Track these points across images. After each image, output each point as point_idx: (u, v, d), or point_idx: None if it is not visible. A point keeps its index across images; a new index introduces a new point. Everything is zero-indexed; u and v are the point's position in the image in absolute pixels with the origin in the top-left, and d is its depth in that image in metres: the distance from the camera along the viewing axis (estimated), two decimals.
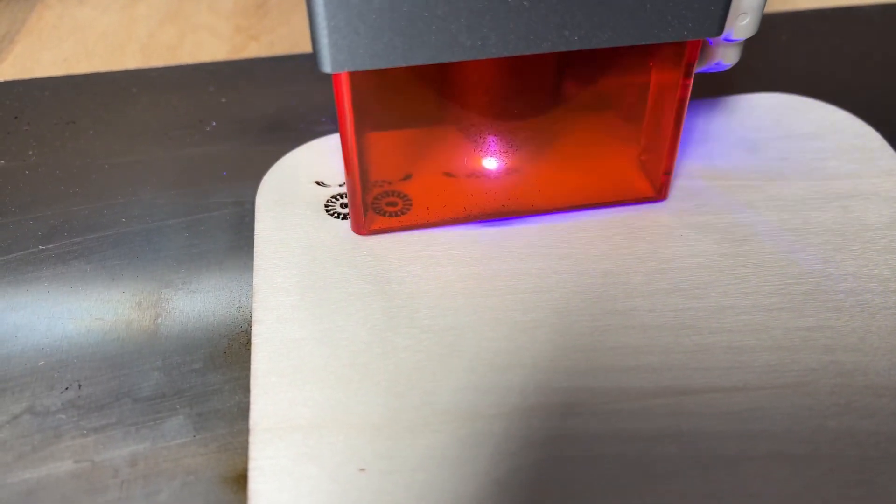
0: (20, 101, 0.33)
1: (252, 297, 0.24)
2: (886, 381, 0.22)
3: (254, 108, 0.33)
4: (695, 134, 0.30)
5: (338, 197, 0.27)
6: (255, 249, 0.25)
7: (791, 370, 0.22)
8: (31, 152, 0.31)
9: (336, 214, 0.27)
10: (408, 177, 0.27)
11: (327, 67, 0.21)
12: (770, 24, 0.37)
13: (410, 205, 0.26)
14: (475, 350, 0.22)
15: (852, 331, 0.23)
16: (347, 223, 0.26)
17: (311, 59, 0.35)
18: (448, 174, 0.27)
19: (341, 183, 0.28)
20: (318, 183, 0.28)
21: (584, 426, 0.21)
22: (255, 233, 0.26)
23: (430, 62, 0.21)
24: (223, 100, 0.33)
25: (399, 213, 0.26)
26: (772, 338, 0.23)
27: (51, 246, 0.27)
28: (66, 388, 0.22)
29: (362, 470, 0.20)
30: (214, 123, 0.32)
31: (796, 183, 0.28)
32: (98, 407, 0.22)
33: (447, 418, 0.21)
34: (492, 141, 0.27)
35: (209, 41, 0.37)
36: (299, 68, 0.35)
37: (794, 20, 0.37)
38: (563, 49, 0.21)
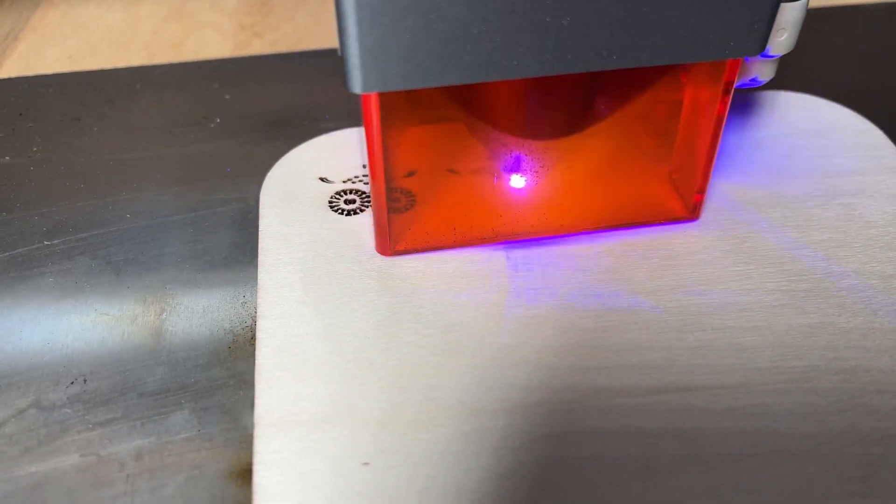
0: (25, 98, 0.33)
1: (256, 292, 0.24)
2: (889, 378, 0.22)
3: (257, 105, 0.33)
4: None
5: (342, 193, 0.27)
6: (260, 245, 0.25)
7: (793, 367, 0.22)
8: (35, 149, 0.31)
9: (340, 210, 0.27)
10: (412, 173, 0.27)
11: (357, 88, 0.20)
12: None
13: (415, 201, 0.26)
14: (478, 346, 0.22)
15: (854, 328, 0.23)
16: (351, 219, 0.26)
17: (315, 56, 0.35)
18: (475, 191, 0.27)
19: (345, 179, 0.28)
20: (321, 179, 0.28)
21: (587, 422, 0.21)
22: (260, 229, 0.26)
23: (464, 83, 0.20)
24: (227, 97, 0.33)
25: (403, 209, 0.26)
26: (774, 334, 0.23)
27: (56, 241, 0.27)
28: (72, 383, 0.22)
29: (366, 464, 0.20)
30: (218, 120, 0.32)
31: (799, 180, 0.28)
32: (103, 401, 0.22)
33: (450, 413, 0.21)
34: (522, 160, 0.27)
35: (213, 38, 0.37)
36: (303, 65, 0.35)
37: None
38: (600, 69, 0.21)
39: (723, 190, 0.27)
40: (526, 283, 0.24)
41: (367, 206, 0.27)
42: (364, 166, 0.28)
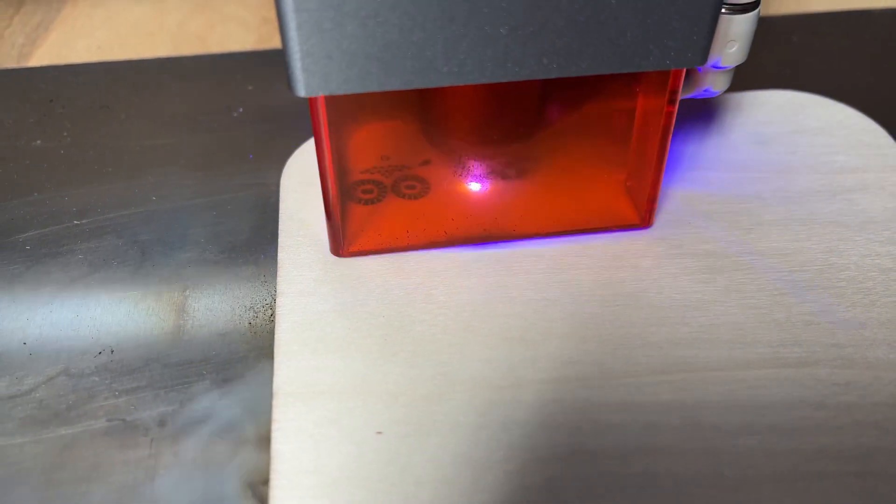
0: (55, 86, 0.35)
1: (276, 272, 0.25)
2: (885, 364, 0.22)
3: (279, 96, 0.34)
4: (710, 126, 0.31)
5: (358, 182, 0.28)
6: (280, 227, 0.27)
7: (793, 351, 0.23)
8: (65, 133, 0.32)
9: (358, 199, 0.28)
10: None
11: (301, 91, 0.20)
12: (782, 24, 0.38)
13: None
14: (489, 326, 0.23)
15: (853, 317, 0.24)
16: (368, 207, 0.27)
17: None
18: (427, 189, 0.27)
19: (363, 169, 0.29)
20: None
21: (593, 397, 0.22)
22: (280, 212, 0.27)
23: (406, 87, 0.20)
24: (250, 87, 0.34)
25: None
26: (775, 321, 0.24)
27: (84, 221, 0.28)
28: (100, 353, 0.24)
29: (379, 433, 0.21)
30: (241, 110, 0.33)
31: (804, 176, 0.29)
32: (129, 371, 0.23)
33: (461, 388, 0.22)
34: (474, 165, 0.27)
35: (237, 31, 0.38)
36: None
37: (806, 21, 0.38)
38: (541, 77, 0.21)
39: (730, 182, 0.28)
40: (533, 270, 0.25)
41: (385, 195, 0.28)
42: (382, 157, 0.29)
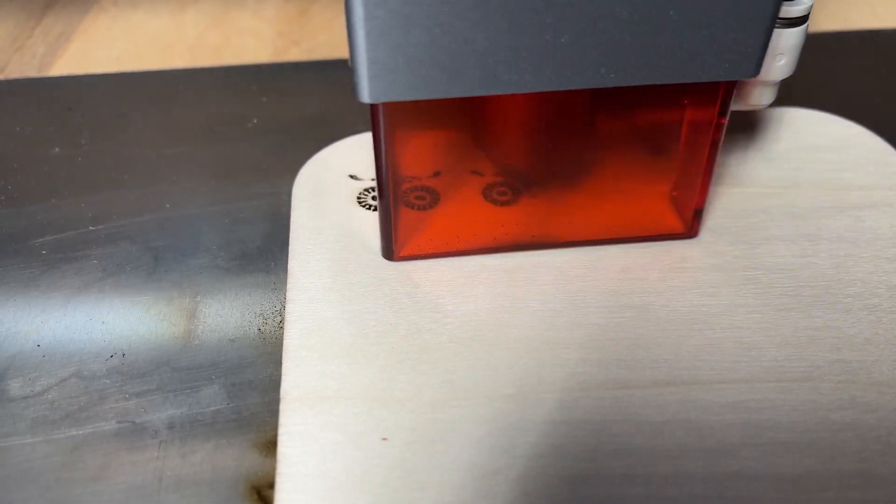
0: (74, 95, 0.35)
1: (286, 279, 0.25)
2: (890, 380, 0.22)
3: (293, 107, 0.34)
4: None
5: (369, 190, 0.29)
6: (291, 235, 0.27)
7: (797, 366, 0.23)
8: (83, 142, 0.32)
9: (367, 206, 0.28)
10: (437, 174, 0.28)
11: (365, 98, 0.21)
12: None
13: (438, 199, 0.27)
14: (495, 335, 0.24)
15: (859, 332, 0.24)
16: (377, 214, 0.27)
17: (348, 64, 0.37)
18: (480, 197, 0.28)
19: (373, 177, 0.29)
20: (351, 177, 0.29)
21: (597, 408, 0.22)
22: (291, 220, 0.28)
23: (467, 95, 0.21)
24: (264, 99, 0.35)
25: (427, 206, 0.27)
26: (780, 335, 0.24)
27: (100, 227, 0.28)
28: (111, 357, 0.24)
29: (384, 439, 0.21)
30: (255, 121, 0.34)
31: (811, 192, 0.29)
32: (140, 374, 0.23)
33: (467, 396, 0.22)
34: (524, 171, 0.27)
35: (253, 44, 0.39)
36: (337, 73, 0.37)
37: (816, 41, 0.38)
38: (598, 86, 0.21)
39: (738, 198, 0.28)
40: (540, 282, 0.25)
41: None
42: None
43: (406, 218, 0.27)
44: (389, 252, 0.26)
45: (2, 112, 0.34)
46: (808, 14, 0.23)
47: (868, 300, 0.25)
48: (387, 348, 0.23)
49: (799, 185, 0.29)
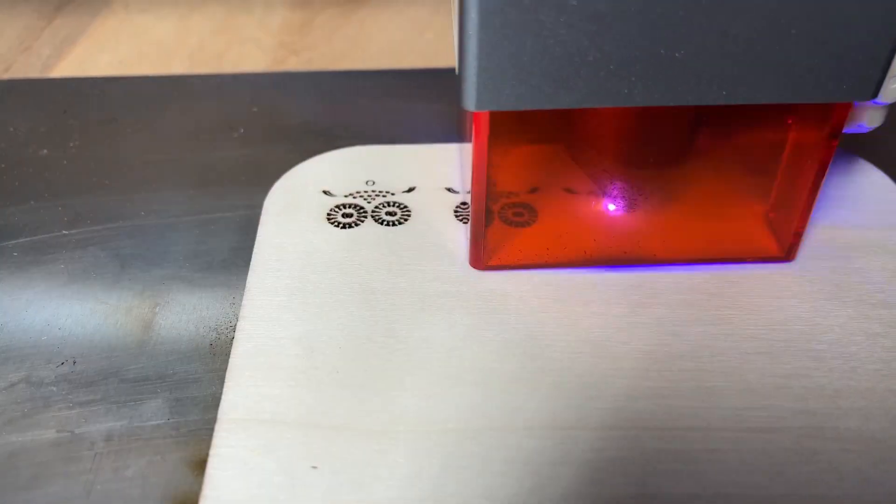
0: (71, 97, 0.36)
1: (243, 295, 0.25)
2: (855, 437, 0.21)
3: (281, 118, 0.34)
4: None
5: (341, 207, 0.28)
6: (255, 251, 0.27)
7: (758, 415, 0.22)
8: (72, 144, 0.33)
9: (336, 223, 0.28)
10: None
11: (472, 105, 0.21)
12: None
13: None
14: (443, 365, 0.23)
15: (829, 382, 0.23)
16: (345, 232, 0.27)
17: (344, 76, 0.37)
18: (573, 212, 0.27)
19: (347, 193, 0.29)
20: (324, 192, 0.29)
21: (539, 448, 0.21)
22: (258, 235, 0.27)
23: (575, 107, 0.21)
24: (254, 109, 0.35)
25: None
26: (744, 381, 0.23)
27: (73, 231, 0.29)
28: (62, 364, 0.24)
29: (314, 467, 0.20)
30: (242, 130, 0.33)
31: None
32: (87, 383, 0.23)
33: (404, 427, 0.21)
34: (620, 187, 0.27)
35: (253, 53, 0.39)
36: (331, 84, 0.37)
37: None
38: (710, 103, 0.21)
39: None
40: (498, 310, 0.25)
41: (364, 220, 0.28)
42: (367, 182, 0.29)
43: (497, 227, 0.26)
44: (479, 260, 0.26)
45: None
46: None
47: (845, 348, 0.23)
48: (331, 373, 0.23)
49: None
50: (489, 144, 0.22)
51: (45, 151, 0.32)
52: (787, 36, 0.20)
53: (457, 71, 0.21)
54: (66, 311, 0.26)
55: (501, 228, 0.27)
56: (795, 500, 0.20)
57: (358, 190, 0.29)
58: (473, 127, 0.22)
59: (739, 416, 0.22)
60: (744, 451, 0.21)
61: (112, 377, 0.24)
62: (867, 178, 0.30)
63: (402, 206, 0.28)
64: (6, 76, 0.37)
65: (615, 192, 0.27)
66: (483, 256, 0.26)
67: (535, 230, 0.27)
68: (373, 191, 0.29)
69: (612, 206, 0.27)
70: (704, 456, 0.21)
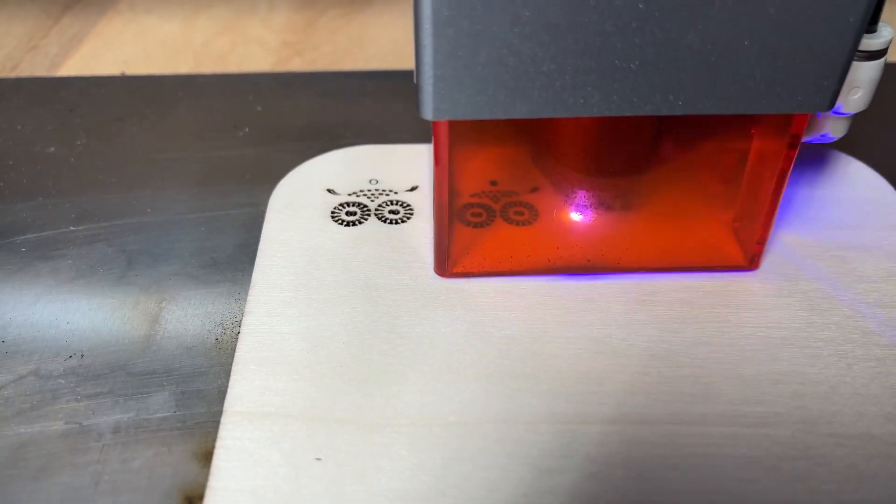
0: (78, 96, 0.36)
1: (249, 290, 0.26)
2: (850, 432, 0.22)
3: (285, 118, 0.35)
4: None
5: (344, 205, 0.29)
6: (260, 247, 0.27)
7: (754, 411, 0.22)
8: (78, 142, 0.33)
9: (340, 221, 0.28)
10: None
11: (429, 115, 0.21)
12: None
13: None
14: (445, 360, 0.23)
15: (825, 379, 0.23)
16: (349, 230, 0.28)
17: (347, 76, 0.37)
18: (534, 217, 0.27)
19: (350, 192, 0.29)
20: (328, 191, 0.29)
21: (540, 442, 0.21)
22: (263, 232, 0.28)
23: (531, 116, 0.21)
24: (259, 108, 0.35)
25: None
26: (740, 377, 0.23)
27: (80, 228, 0.29)
28: (70, 357, 0.24)
29: (318, 459, 0.21)
30: (247, 129, 0.34)
31: (797, 229, 0.28)
32: (95, 376, 0.24)
33: (407, 421, 0.22)
34: (583, 195, 0.27)
35: (257, 53, 0.39)
36: (334, 85, 0.37)
37: None
38: (665, 113, 0.21)
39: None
40: (499, 307, 0.25)
41: (367, 218, 0.28)
42: (370, 181, 0.30)
43: (461, 235, 0.27)
44: (443, 268, 0.26)
45: (7, 109, 0.35)
46: (888, 47, 0.22)
47: (840, 346, 0.24)
48: (335, 367, 0.23)
49: (786, 221, 0.28)
50: (450, 152, 0.22)
51: (53, 149, 0.33)
52: (742, 47, 0.20)
53: (414, 80, 0.21)
54: (73, 305, 0.26)
55: (465, 238, 0.27)
56: (790, 493, 0.20)
57: (361, 188, 0.29)
58: (433, 136, 0.22)
59: (736, 412, 0.22)
60: (740, 445, 0.21)
61: (119, 370, 0.24)
62: (862, 179, 0.30)
63: (404, 205, 0.29)
64: (14, 75, 0.38)
65: (579, 200, 0.27)
66: (448, 264, 0.26)
67: (497, 237, 0.27)
68: (376, 189, 0.29)
69: (576, 215, 0.27)
70: (701, 450, 0.21)
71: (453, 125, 0.22)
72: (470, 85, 0.20)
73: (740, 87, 0.20)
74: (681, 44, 0.20)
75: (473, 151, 0.28)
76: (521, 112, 0.21)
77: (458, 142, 0.23)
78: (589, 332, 0.24)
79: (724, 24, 0.19)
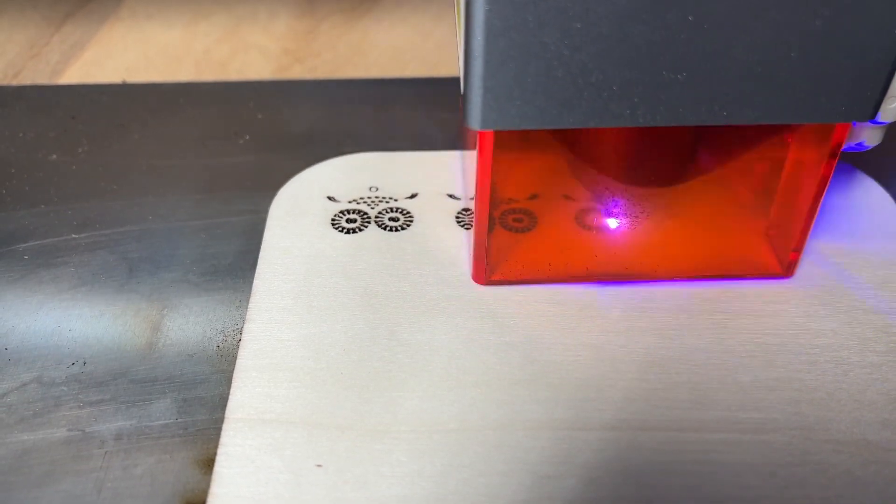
0: (79, 103, 0.36)
1: (250, 298, 0.26)
2: (847, 438, 0.22)
3: (286, 125, 0.35)
4: None
5: (345, 212, 0.29)
6: (261, 255, 0.27)
7: (751, 418, 0.22)
8: (80, 150, 0.33)
9: (341, 228, 0.28)
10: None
11: (476, 125, 0.21)
12: None
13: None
14: (445, 367, 0.23)
15: (822, 386, 0.23)
16: (349, 237, 0.28)
17: (347, 84, 0.37)
18: (577, 224, 0.28)
19: (351, 199, 0.30)
20: (329, 198, 0.30)
21: (539, 448, 0.21)
22: (264, 239, 0.28)
23: (577, 127, 0.21)
24: (259, 116, 0.35)
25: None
26: (737, 384, 0.23)
27: (82, 235, 0.29)
28: (72, 364, 0.24)
29: (319, 466, 0.21)
30: (248, 137, 0.34)
31: None
32: (97, 384, 0.24)
33: (406, 427, 0.22)
34: (621, 204, 0.27)
35: (257, 60, 0.40)
36: (335, 92, 0.37)
37: None
38: (709, 123, 0.21)
39: None
40: (500, 314, 0.25)
41: (367, 226, 0.28)
42: (370, 188, 0.30)
43: (498, 243, 0.27)
44: (482, 275, 0.26)
45: (9, 117, 0.36)
46: None
47: (836, 353, 0.24)
48: (335, 374, 0.23)
49: None
50: (493, 161, 0.23)
51: (55, 156, 0.33)
52: (787, 58, 0.20)
53: (461, 91, 0.21)
54: (75, 313, 0.26)
55: (503, 240, 0.27)
56: (787, 499, 0.20)
57: (362, 196, 0.30)
58: (478, 145, 0.22)
59: (733, 418, 0.22)
60: (737, 451, 0.21)
61: (121, 378, 0.24)
62: (864, 190, 0.30)
63: (404, 212, 0.29)
64: (16, 82, 0.38)
65: (617, 209, 0.27)
66: (486, 272, 0.26)
67: (536, 245, 0.27)
68: (376, 197, 0.30)
69: (613, 223, 0.28)
70: (699, 457, 0.21)
71: (499, 135, 0.22)
72: (518, 96, 0.20)
73: (785, 98, 0.21)
74: (728, 55, 0.20)
75: (514, 159, 0.28)
76: (567, 122, 0.21)
77: (499, 149, 0.23)
78: (588, 338, 0.24)
79: (771, 36, 0.20)
